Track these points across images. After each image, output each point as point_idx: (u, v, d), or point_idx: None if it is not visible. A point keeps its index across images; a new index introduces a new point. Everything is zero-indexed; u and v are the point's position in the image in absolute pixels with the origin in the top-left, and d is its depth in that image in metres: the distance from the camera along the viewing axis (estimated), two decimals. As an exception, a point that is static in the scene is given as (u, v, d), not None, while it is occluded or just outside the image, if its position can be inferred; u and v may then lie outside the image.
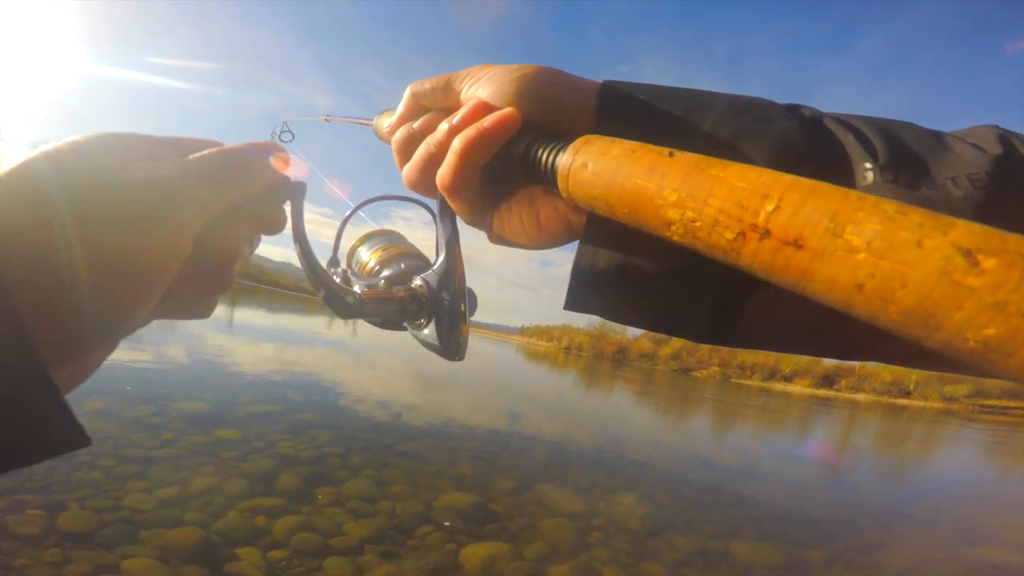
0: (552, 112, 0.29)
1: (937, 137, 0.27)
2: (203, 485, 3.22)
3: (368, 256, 0.38)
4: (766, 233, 0.17)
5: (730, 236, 0.18)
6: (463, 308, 0.31)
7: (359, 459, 4.39)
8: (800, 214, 0.16)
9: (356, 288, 0.33)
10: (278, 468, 3.76)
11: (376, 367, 11.29)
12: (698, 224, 0.19)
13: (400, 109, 0.35)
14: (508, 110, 0.29)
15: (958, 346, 0.13)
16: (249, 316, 17.92)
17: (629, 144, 0.23)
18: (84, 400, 4.43)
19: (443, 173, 0.30)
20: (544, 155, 0.27)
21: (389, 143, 0.36)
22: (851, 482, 6.90)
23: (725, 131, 0.26)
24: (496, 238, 0.34)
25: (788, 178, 0.18)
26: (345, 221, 0.45)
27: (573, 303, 0.31)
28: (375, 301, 0.32)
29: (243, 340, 10.60)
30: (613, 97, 0.29)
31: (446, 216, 0.32)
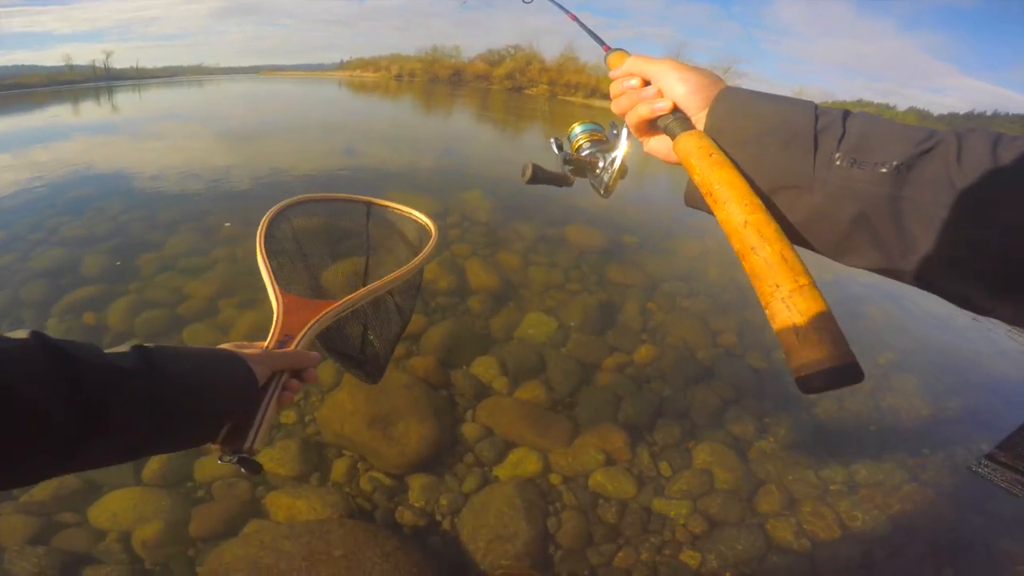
0: (689, 106, 0.54)
1: (902, 135, 0.42)
2: (-2, 304, 2.72)
3: (581, 135, 0.71)
4: (709, 193, 0.48)
5: (704, 192, 0.49)
6: (618, 175, 0.66)
7: (171, 214, 3.92)
8: (725, 197, 0.46)
9: (564, 153, 0.70)
10: (75, 253, 3.27)
11: (167, 138, 9.26)
12: (699, 180, 0.49)
13: (620, 71, 0.61)
14: (668, 103, 0.55)
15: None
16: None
17: (705, 143, 0.50)
18: None
19: (630, 118, 0.60)
20: (675, 129, 0.54)
21: (608, 71, 0.65)
22: (647, 183, 7.61)
23: (767, 127, 0.48)
24: (648, 149, 0.61)
25: (728, 178, 0.47)
26: None
27: (689, 201, 0.56)
28: (577, 160, 0.68)
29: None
30: (719, 108, 0.52)
31: (627, 130, 0.64)
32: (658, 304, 3.42)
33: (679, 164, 0.55)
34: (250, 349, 0.61)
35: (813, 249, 0.48)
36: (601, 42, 0.77)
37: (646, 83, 0.58)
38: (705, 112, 0.53)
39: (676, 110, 0.55)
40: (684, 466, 2.23)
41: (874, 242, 0.43)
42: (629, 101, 0.58)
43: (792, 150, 0.45)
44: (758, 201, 0.45)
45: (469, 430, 2.26)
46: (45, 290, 2.85)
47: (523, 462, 2.14)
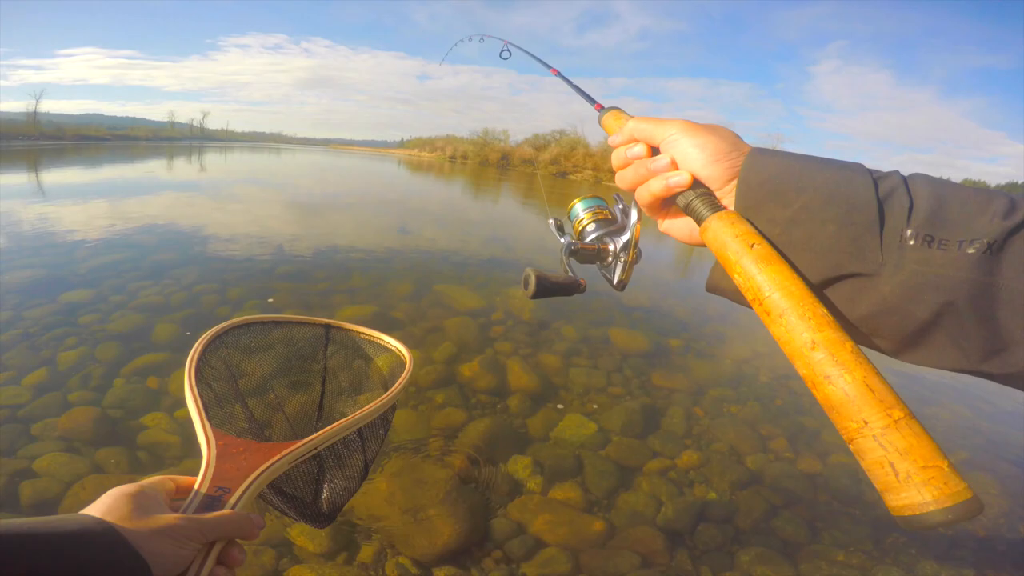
0: (711, 179, 0.44)
1: (982, 205, 0.35)
2: (72, 360, 2.96)
3: (583, 214, 0.60)
4: (759, 302, 0.39)
5: (751, 298, 0.40)
6: (631, 264, 0.56)
7: (239, 291, 4.19)
8: (780, 309, 0.38)
9: (567, 238, 0.58)
10: (149, 320, 3.53)
11: (243, 201, 10.17)
12: (742, 283, 0.40)
13: (621, 138, 0.51)
14: (686, 177, 0.44)
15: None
16: (64, 177, 14.38)
17: (742, 228, 0.41)
18: None
19: (640, 195, 0.49)
20: (701, 210, 0.44)
21: (607, 134, 0.56)
22: (694, 272, 7.71)
23: (818, 200, 0.39)
24: (665, 229, 0.52)
25: (781, 282, 0.38)
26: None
27: (712, 289, 0.49)
28: (583, 250, 0.57)
29: (64, 203, 8.72)
30: (751, 179, 0.42)
31: (637, 208, 0.54)
32: (704, 409, 3.30)
33: (703, 245, 0.46)
34: (151, 517, 0.41)
35: (872, 347, 0.40)
36: (592, 100, 0.66)
37: (654, 150, 0.48)
38: (733, 184, 0.43)
39: (696, 183, 0.45)
40: (727, 567, 2.08)
41: (956, 339, 0.35)
42: (637, 175, 0.49)
43: (852, 228, 0.37)
44: (823, 311, 0.36)
45: (500, 526, 2.20)
46: (118, 352, 3.07)
47: (553, 561, 2.05)
